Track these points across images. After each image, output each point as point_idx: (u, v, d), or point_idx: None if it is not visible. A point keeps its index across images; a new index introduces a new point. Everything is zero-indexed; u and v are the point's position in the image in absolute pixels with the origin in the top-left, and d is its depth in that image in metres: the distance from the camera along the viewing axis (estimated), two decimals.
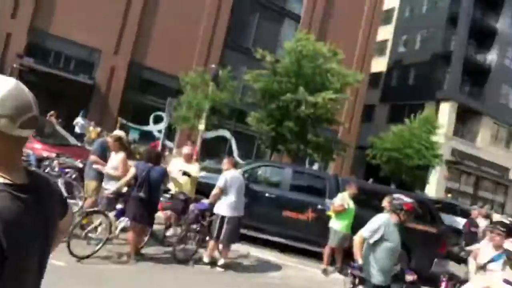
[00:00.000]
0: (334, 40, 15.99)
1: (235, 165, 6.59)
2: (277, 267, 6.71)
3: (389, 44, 31.93)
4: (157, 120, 19.56)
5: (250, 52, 19.97)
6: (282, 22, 23.05)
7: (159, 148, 12.35)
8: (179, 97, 15.50)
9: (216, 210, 5.97)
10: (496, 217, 8.08)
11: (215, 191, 5.96)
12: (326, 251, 7.04)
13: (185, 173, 6.40)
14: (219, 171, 8.91)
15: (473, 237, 8.57)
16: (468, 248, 6.78)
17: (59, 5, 17.20)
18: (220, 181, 5.97)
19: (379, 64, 30.64)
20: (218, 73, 14.68)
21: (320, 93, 13.31)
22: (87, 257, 5.02)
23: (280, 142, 14.20)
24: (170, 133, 17.87)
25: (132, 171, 5.53)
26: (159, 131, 18.57)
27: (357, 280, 4.01)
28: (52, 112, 13.86)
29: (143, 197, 5.31)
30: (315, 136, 14.27)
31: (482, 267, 4.65)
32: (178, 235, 6.02)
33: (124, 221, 5.76)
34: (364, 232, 4.00)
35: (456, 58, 26.83)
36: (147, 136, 18.33)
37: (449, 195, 24.93)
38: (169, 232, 6.57)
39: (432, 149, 19.76)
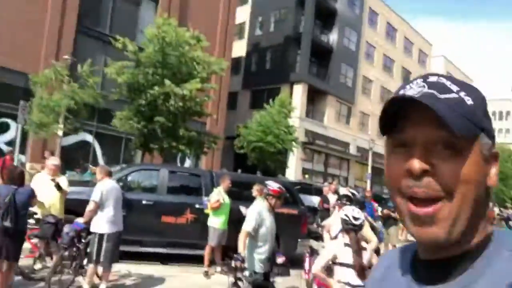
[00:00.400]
0: (194, 24, 15.58)
1: (110, 174, 6.13)
2: (160, 281, 6.74)
3: (247, 27, 32.33)
4: (3, 129, 16.74)
5: (108, 39, 18.17)
6: (139, 4, 21.67)
7: (10, 164, 10.81)
8: (32, 99, 13.62)
9: (93, 228, 5.58)
10: (342, 190, 9.54)
11: (90, 207, 5.53)
12: (206, 251, 7.35)
13: (58, 186, 5.89)
14: (86, 183, 8.41)
15: (327, 213, 9.65)
16: (322, 223, 7.87)
17: None
18: (95, 195, 5.54)
19: (239, 48, 30.90)
20: (77, 66, 13.38)
21: (187, 84, 13.08)
22: None
23: (151, 141, 13.70)
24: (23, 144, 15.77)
25: None
26: (8, 144, 15.94)
27: (238, 273, 4.50)
28: None
29: (9, 227, 4.69)
30: (186, 130, 14.16)
31: (335, 238, 5.39)
32: (52, 265, 5.54)
33: None
34: (247, 227, 4.53)
35: (305, 40, 28.38)
36: None
37: (306, 175, 27.65)
38: (39, 265, 6.04)
39: (289, 133, 21.74)
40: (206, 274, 7.25)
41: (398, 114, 0.67)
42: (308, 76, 29.34)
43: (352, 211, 3.98)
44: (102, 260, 5.60)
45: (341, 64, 31.81)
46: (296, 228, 8.67)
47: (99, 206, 5.58)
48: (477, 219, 0.68)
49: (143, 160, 15.15)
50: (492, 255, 0.66)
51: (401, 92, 0.69)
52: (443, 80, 0.69)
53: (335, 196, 11.10)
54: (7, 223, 4.69)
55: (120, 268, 6.69)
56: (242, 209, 7.21)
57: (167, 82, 12.74)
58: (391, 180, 0.70)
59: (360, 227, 3.93)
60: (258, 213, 4.60)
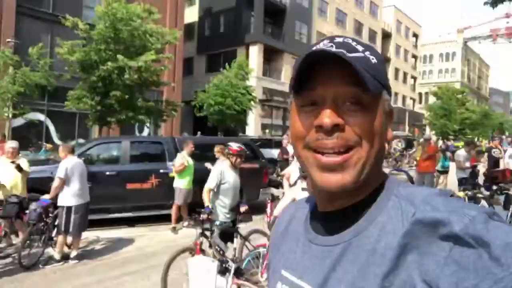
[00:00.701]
0: None
1: (73, 151, 6.37)
2: (130, 241, 7.11)
3: None
4: None
5: (52, 18, 17.95)
6: None
7: None
8: None
9: (60, 202, 5.84)
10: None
11: (56, 183, 5.79)
12: (173, 210, 7.82)
13: (19, 167, 6.04)
14: (47, 162, 8.52)
15: (286, 163, 10.35)
16: (282, 172, 8.42)
17: None
18: (60, 171, 5.78)
19: (191, 14, 30.75)
20: (23, 48, 12.91)
21: (142, 56, 13.15)
22: None
23: (108, 115, 13.73)
24: None
25: None
26: None
27: (205, 224, 4.89)
28: None
29: None
30: (144, 101, 14.29)
31: (294, 185, 5.93)
32: (20, 241, 5.75)
33: None
34: (209, 184, 5.07)
35: (258, 0, 28.36)
36: None
37: (266, 131, 28.38)
38: (3, 243, 6.18)
39: (248, 93, 22.00)
40: (174, 229, 7.71)
41: (308, 74, 0.68)
42: (263, 36, 29.44)
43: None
44: (71, 230, 5.89)
45: (295, 22, 31.96)
46: (258, 179, 9.34)
47: (65, 181, 5.81)
48: (376, 168, 0.71)
49: (101, 134, 15.07)
50: (383, 202, 0.68)
51: (313, 49, 0.70)
52: (349, 40, 0.71)
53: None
54: None
55: (88, 235, 6.96)
56: (208, 165, 7.71)
57: (119, 56, 12.73)
58: (297, 135, 0.71)
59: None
60: (220, 172, 5.10)
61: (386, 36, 46.79)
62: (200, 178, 7.50)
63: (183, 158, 7.80)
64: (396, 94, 49.06)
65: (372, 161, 0.68)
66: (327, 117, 0.65)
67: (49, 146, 15.47)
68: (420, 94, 62.02)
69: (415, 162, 15.22)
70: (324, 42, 0.71)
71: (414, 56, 55.52)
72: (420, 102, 61.16)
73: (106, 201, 7.74)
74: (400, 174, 8.71)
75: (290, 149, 11.28)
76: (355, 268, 0.64)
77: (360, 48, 0.69)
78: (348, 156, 0.66)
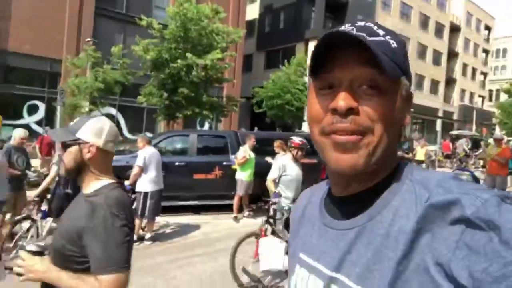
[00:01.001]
0: None
1: (150, 142, 6.99)
2: (196, 227, 7.68)
3: None
4: (32, 110, 18.03)
5: (125, 18, 19.27)
6: None
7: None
8: (66, 82, 14.76)
9: (138, 188, 6.43)
10: None
11: (135, 171, 6.39)
12: (235, 201, 8.30)
13: None
14: (123, 152, 9.38)
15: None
16: None
17: None
18: (139, 160, 6.38)
19: (252, 11, 31.21)
20: (103, 48, 14.05)
21: (209, 55, 13.86)
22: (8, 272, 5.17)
23: (176, 110, 14.62)
24: (50, 123, 16.94)
25: (54, 169, 5.74)
26: (38, 123, 17.46)
27: (271, 210, 5.20)
28: None
29: (70, 193, 5.49)
30: (208, 97, 15.07)
31: None
32: None
33: (50, 221, 5.97)
34: (271, 176, 5.46)
35: None
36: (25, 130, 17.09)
37: None
38: None
39: (306, 90, 22.03)
40: (236, 219, 8.21)
41: (326, 57, 0.68)
42: (323, 31, 28.41)
43: None
44: (147, 214, 6.52)
45: (357, 16, 31.14)
46: (316, 174, 9.52)
47: (143, 169, 6.43)
48: (390, 153, 0.71)
49: (167, 128, 16.09)
50: (397, 186, 0.68)
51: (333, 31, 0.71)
52: (371, 24, 0.71)
53: None
54: (68, 190, 5.55)
55: (159, 220, 7.56)
56: (269, 159, 8.19)
57: (188, 55, 13.49)
58: (314, 118, 0.72)
59: None
60: (281, 164, 5.44)
61: (455, 29, 44.17)
62: (260, 171, 7.91)
63: (245, 152, 8.24)
64: (463, 91, 46.30)
65: (385, 146, 0.68)
66: (342, 100, 0.66)
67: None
68: (490, 91, 57.89)
69: (481, 163, 14.43)
70: (345, 26, 0.71)
71: (485, 51, 51.85)
72: (490, 100, 57.11)
73: (176, 189, 8.33)
74: (464, 174, 8.49)
75: None
76: (370, 252, 0.65)
77: (381, 32, 0.69)
78: (361, 138, 0.67)
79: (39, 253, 1.56)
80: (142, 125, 21.13)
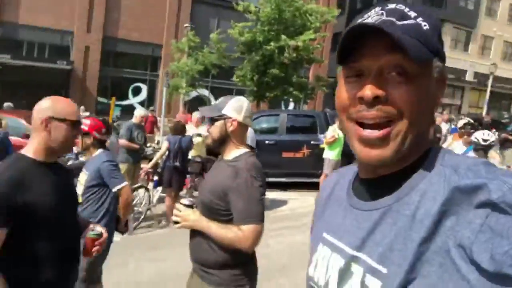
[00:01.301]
0: None
1: None
2: (284, 202, 8.11)
3: None
4: (136, 92, 20.02)
5: (220, 3, 20.17)
6: None
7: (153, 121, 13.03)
8: (170, 65, 16.07)
9: None
10: (461, 121, 9.58)
11: None
12: (321, 178, 8.48)
13: (199, 135, 7.29)
14: None
15: (437, 143, 9.94)
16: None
17: None
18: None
19: None
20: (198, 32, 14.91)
21: (302, 36, 13.93)
22: (134, 228, 5.75)
23: (266, 91, 15.02)
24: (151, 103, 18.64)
25: (165, 145, 6.47)
26: (141, 104, 19.34)
27: None
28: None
29: (178, 166, 6.27)
30: (298, 77, 15.22)
31: None
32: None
33: (159, 190, 6.85)
34: None
35: None
36: (130, 110, 18.97)
37: None
38: (187, 194, 7.39)
39: None
40: None
41: (355, 44, 0.68)
42: (421, 4, 26.76)
43: (482, 134, 4.98)
44: None
45: None
46: None
47: None
48: (421, 138, 0.70)
49: (257, 109, 16.59)
50: (427, 169, 0.67)
51: (359, 21, 0.71)
52: (402, 7, 0.69)
53: (447, 125, 11.13)
54: (177, 163, 6.29)
55: None
56: None
57: (283, 36, 13.70)
58: (341, 106, 0.72)
59: (489, 147, 4.92)
60: None
61: None
62: (348, 151, 7.98)
63: (334, 131, 8.33)
64: None
65: (415, 133, 0.67)
66: (368, 89, 0.66)
67: None
68: None
69: None
70: (375, 10, 0.71)
71: None
72: None
73: (265, 166, 8.68)
74: None
75: (444, 126, 10.80)
76: (393, 232, 0.65)
77: (412, 14, 0.68)
78: (388, 131, 0.67)
79: (190, 206, 1.96)
80: None
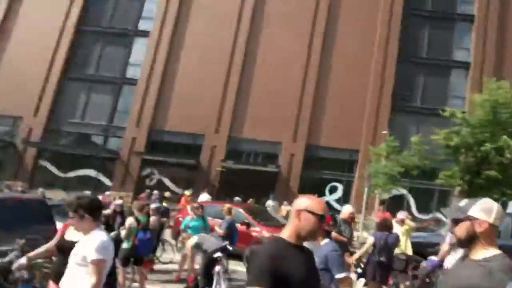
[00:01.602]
0: (508, 75, 15.93)
1: None
2: None
3: None
4: (332, 190, 21.71)
5: (420, 111, 21.19)
6: (449, 74, 22.86)
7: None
8: (369, 167, 17.23)
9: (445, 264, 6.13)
10: None
11: (445, 248, 6.28)
12: None
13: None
14: (421, 229, 9.51)
15: None
16: None
17: (248, 115, 21.83)
18: (447, 239, 6.27)
19: None
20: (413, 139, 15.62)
21: None
22: None
23: (477, 191, 13.96)
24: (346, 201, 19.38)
25: (370, 240, 6.68)
26: (337, 201, 20.71)
27: None
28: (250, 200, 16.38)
29: (383, 261, 6.30)
30: None
31: None
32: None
33: (362, 282, 6.76)
34: None
35: None
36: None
37: None
38: None
39: None
40: None
41: None
42: None
43: None
44: None
45: None
46: None
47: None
48: None
49: None
50: None
51: None
52: None
53: None
54: (382, 258, 6.34)
55: None
56: None
57: (503, 138, 13.30)
58: None
59: None
60: None
61: None
62: None
63: None
64: None
65: None
66: None
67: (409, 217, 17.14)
68: None
69: None
70: None
71: None
72: None
73: None
74: None
75: None
76: None
77: None
78: None
79: None
80: (432, 205, 21.02)
